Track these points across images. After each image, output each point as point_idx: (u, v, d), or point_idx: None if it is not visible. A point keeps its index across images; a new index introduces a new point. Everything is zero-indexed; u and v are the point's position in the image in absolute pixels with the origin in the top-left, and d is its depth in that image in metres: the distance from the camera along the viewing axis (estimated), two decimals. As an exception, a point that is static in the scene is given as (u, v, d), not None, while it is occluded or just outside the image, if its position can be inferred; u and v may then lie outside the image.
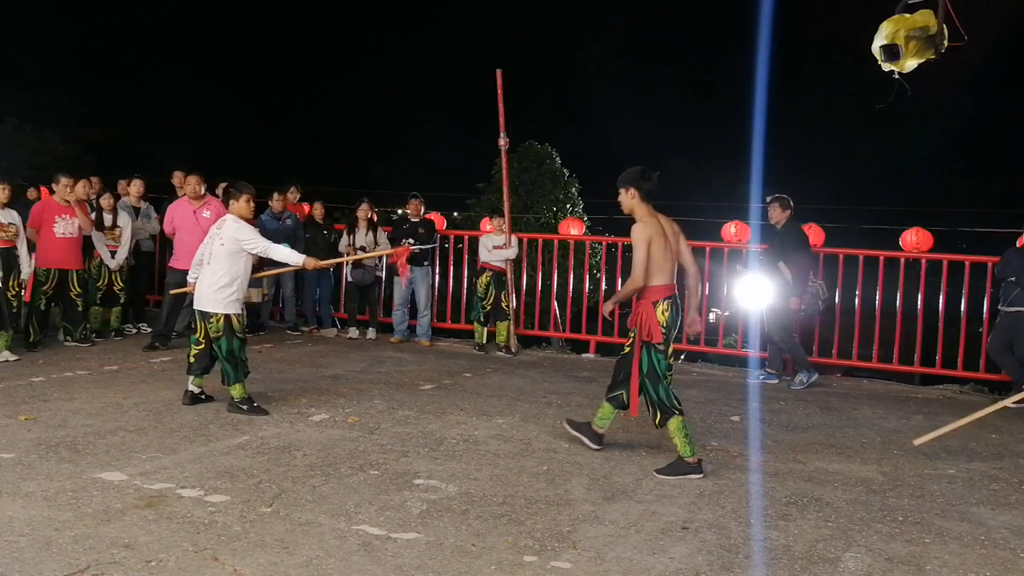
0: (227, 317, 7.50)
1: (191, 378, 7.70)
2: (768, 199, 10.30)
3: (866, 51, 7.44)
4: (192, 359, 7.65)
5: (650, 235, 6.26)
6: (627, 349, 6.50)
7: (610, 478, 6.08)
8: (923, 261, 11.10)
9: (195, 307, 7.66)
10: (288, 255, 7.87)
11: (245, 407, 7.45)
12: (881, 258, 11.40)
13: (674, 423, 6.24)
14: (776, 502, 5.76)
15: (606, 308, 6.67)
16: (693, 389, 9.61)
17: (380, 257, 12.37)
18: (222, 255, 7.52)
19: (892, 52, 7.09)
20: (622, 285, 6.34)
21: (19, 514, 4.83)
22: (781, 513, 5.54)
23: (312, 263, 8.05)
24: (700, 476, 6.21)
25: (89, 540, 4.52)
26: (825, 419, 8.40)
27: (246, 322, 7.85)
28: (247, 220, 7.73)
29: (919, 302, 11.29)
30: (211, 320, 7.50)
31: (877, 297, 11.45)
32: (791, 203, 10.11)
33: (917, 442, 6.78)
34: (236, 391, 7.50)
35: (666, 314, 6.23)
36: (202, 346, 7.59)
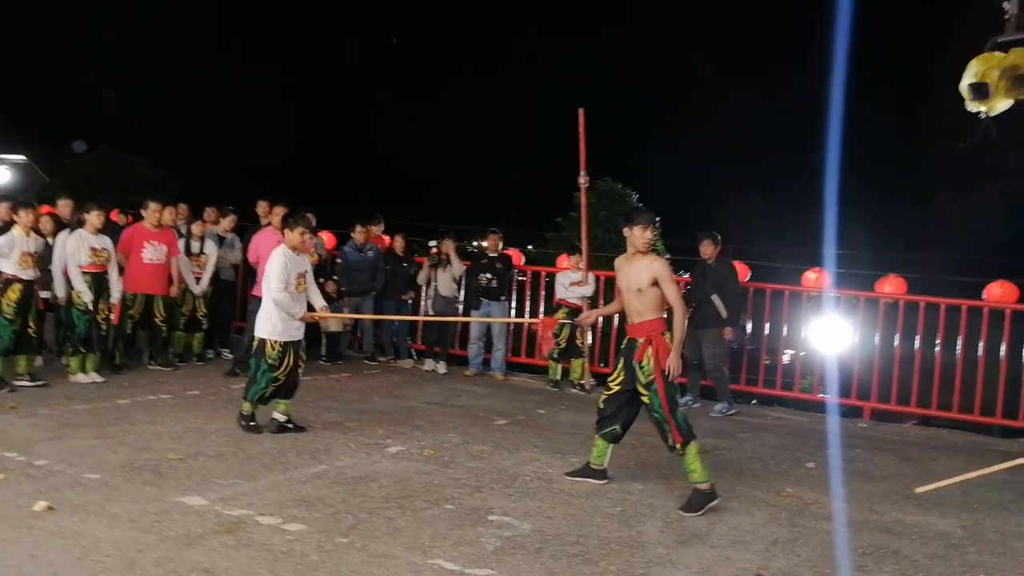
0: (261, 341, 7.70)
1: (276, 403, 7.85)
2: (699, 235, 10.83)
3: (953, 92, 7.32)
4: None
5: None
6: (615, 387, 6.69)
7: (684, 521, 6.06)
8: (1007, 311, 10.92)
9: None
10: (288, 306, 7.69)
11: (243, 423, 7.70)
12: (964, 307, 11.22)
13: (693, 448, 6.39)
14: (852, 552, 5.68)
15: (675, 360, 6.45)
16: (768, 434, 9.54)
17: (461, 289, 12.54)
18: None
19: (981, 91, 6.96)
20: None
21: (105, 535, 4.95)
22: (857, 564, 5.47)
23: (308, 316, 7.94)
24: (718, 500, 6.35)
25: (171, 563, 4.61)
26: (903, 469, 8.28)
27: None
28: (299, 250, 7.85)
29: (1003, 352, 11.07)
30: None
31: (959, 346, 11.26)
32: (720, 239, 10.74)
33: (919, 490, 6.72)
34: (246, 407, 7.74)
35: (669, 341, 6.52)
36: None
